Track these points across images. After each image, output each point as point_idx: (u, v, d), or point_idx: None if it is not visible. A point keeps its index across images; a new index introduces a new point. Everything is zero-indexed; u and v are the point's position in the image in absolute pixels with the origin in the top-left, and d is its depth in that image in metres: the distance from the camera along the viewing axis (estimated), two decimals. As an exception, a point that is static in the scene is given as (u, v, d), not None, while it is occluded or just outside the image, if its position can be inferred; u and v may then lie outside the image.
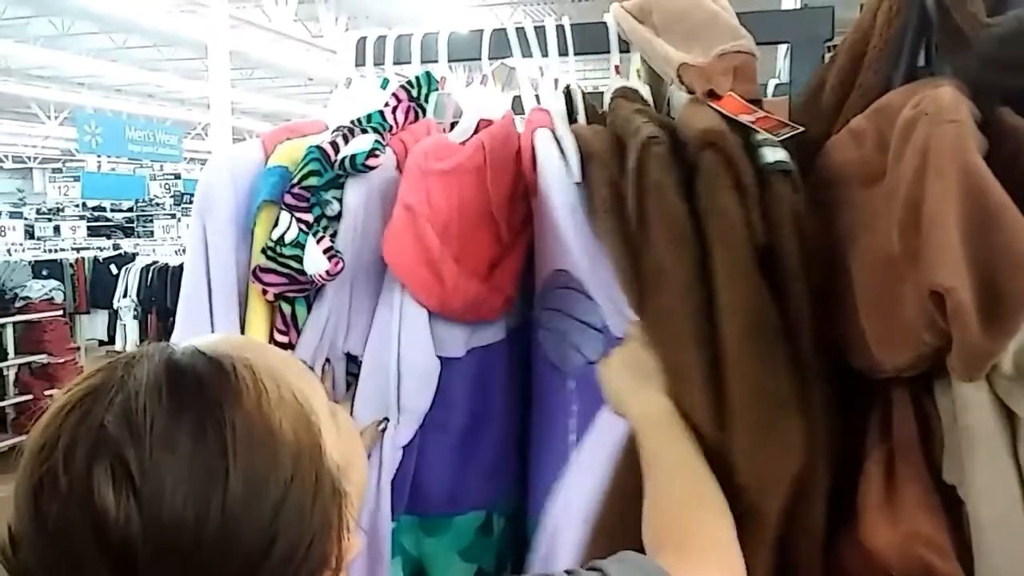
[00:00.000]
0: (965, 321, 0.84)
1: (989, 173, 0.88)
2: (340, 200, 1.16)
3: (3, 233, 7.65)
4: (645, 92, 1.29)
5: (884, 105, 1.04)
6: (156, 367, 0.60)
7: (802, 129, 1.12)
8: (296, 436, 0.59)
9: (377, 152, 1.13)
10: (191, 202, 8.93)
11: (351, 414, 1.20)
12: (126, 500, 0.53)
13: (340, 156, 1.13)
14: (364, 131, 1.17)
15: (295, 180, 1.15)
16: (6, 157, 25.88)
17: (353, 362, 1.26)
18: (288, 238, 1.14)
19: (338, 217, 1.16)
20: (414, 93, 1.27)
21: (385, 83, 1.34)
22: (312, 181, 1.15)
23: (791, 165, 1.07)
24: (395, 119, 1.22)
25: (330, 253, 1.13)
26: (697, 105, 1.15)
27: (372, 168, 1.13)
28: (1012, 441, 0.90)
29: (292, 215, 1.15)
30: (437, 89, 1.29)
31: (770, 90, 2.09)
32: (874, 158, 1.01)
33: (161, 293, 7.40)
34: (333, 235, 1.15)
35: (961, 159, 0.88)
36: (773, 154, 1.08)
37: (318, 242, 1.13)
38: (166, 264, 7.57)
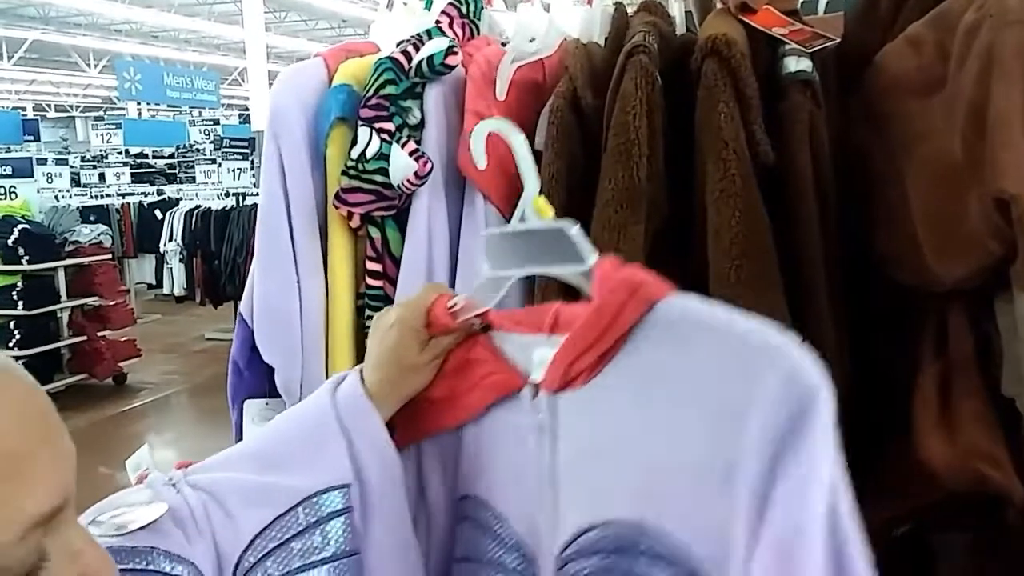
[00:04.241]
0: (1030, 230, 0.82)
1: (1057, 75, 0.84)
2: (421, 109, 1.11)
3: (50, 180, 7.77)
4: (675, 6, 1.26)
5: (944, 11, 0.99)
6: None
7: (836, 40, 1.08)
8: None
9: (455, 50, 1.09)
10: (231, 146, 8.99)
11: None
12: None
13: (416, 61, 1.09)
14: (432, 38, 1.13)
15: (370, 92, 1.11)
16: (49, 106, 26.22)
17: None
18: (370, 152, 1.10)
19: (420, 126, 1.12)
20: (463, 10, 1.23)
21: (429, 4, 1.31)
22: (389, 90, 1.11)
23: (812, 75, 1.03)
24: (454, 32, 1.18)
25: (417, 154, 1.08)
26: (722, 16, 1.11)
27: (451, 68, 1.09)
28: (1074, 353, 0.88)
29: (371, 128, 1.10)
30: (483, 7, 1.26)
31: (821, 6, 2.02)
32: (933, 66, 0.97)
33: (205, 237, 7.50)
34: (418, 143, 1.11)
35: (1028, 61, 0.85)
36: (796, 64, 1.04)
37: (403, 147, 1.08)
38: (209, 208, 7.65)
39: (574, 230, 0.72)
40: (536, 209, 0.74)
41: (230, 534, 0.73)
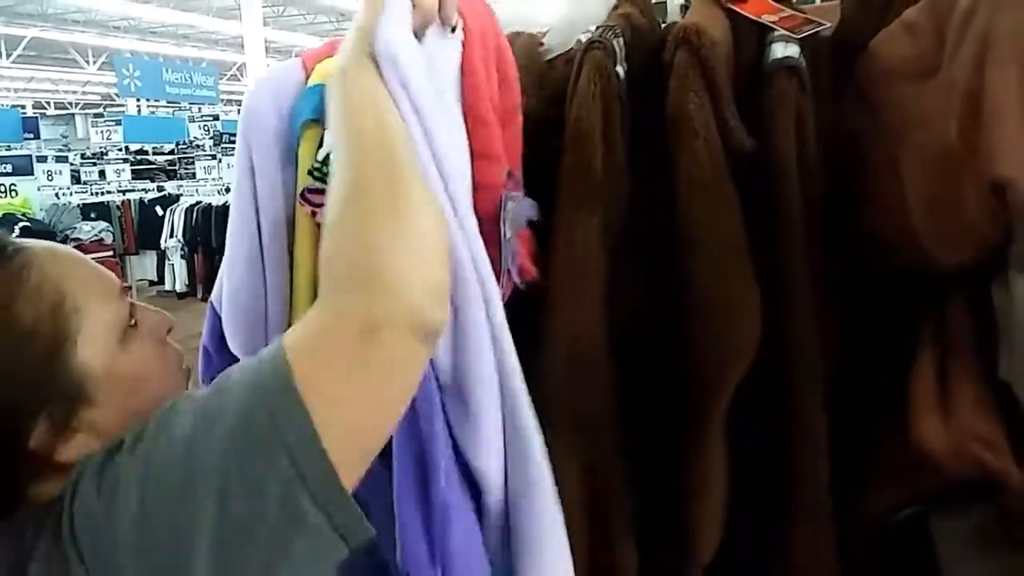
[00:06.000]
0: (1026, 214, 0.82)
1: (1053, 60, 0.84)
2: None
3: (51, 177, 7.76)
4: None
5: (941, -5, 0.99)
6: None
7: (827, 25, 1.08)
8: (33, 322, 0.64)
9: None
10: (231, 142, 8.99)
11: None
12: None
13: None
14: None
15: None
16: (49, 104, 26.19)
17: None
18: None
19: None
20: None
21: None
22: None
23: (798, 61, 1.03)
24: None
25: None
26: (705, 5, 1.11)
27: None
28: (1071, 336, 0.88)
29: None
30: None
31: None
32: (928, 51, 0.97)
33: (206, 232, 7.51)
34: None
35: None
36: (783, 50, 1.04)
37: None
38: (209, 204, 7.65)
39: None
40: None
41: None
